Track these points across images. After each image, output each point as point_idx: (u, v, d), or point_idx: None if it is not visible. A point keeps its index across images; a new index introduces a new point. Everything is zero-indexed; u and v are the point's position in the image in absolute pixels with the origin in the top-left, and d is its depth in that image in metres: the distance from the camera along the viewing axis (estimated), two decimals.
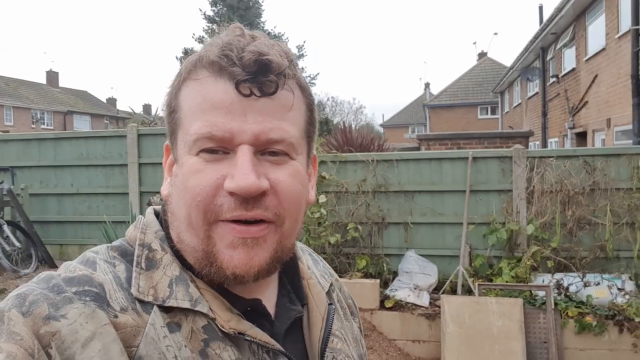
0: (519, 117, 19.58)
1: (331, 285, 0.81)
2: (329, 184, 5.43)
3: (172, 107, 0.64)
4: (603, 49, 10.45)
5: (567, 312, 4.35)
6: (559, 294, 4.61)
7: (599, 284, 4.64)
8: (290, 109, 0.61)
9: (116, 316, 0.56)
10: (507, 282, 4.76)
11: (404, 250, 5.32)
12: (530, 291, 4.66)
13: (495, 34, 51.09)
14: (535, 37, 14.56)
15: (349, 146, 7.13)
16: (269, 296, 0.69)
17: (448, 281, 5.00)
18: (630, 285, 4.65)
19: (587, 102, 11.48)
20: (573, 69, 12.58)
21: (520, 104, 19.51)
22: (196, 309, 0.59)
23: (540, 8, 16.56)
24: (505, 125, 22.90)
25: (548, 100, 14.87)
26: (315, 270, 0.81)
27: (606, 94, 10.33)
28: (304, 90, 0.65)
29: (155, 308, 0.59)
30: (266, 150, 0.60)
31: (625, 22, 9.17)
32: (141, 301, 0.59)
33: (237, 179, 0.57)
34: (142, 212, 5.86)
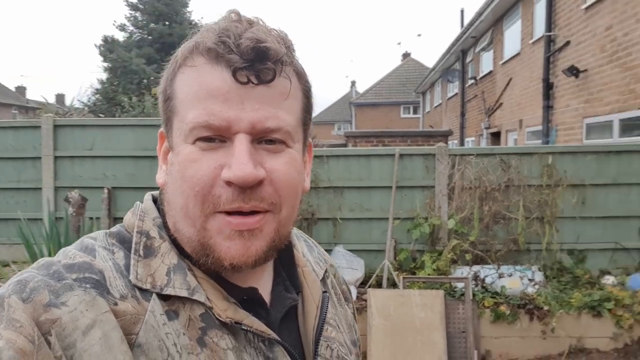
0: (439, 116, 20.43)
1: (326, 271, 0.82)
2: None
3: (168, 94, 0.62)
4: (518, 54, 11.11)
5: (484, 303, 4.61)
6: (476, 285, 4.87)
7: (512, 275, 4.95)
8: (287, 96, 0.61)
9: (116, 303, 0.56)
10: (429, 274, 4.96)
11: (333, 245, 5.38)
12: (450, 283, 4.88)
13: (419, 35, 52.99)
14: (457, 40, 15.23)
15: None
16: (264, 284, 0.69)
17: (374, 275, 5.13)
18: (539, 276, 5.00)
19: (501, 103, 12.18)
20: (490, 72, 13.29)
21: (440, 104, 20.36)
22: (193, 297, 0.60)
23: (462, 12, 17.37)
24: (426, 124, 23.82)
25: (466, 101, 15.62)
26: (310, 257, 0.81)
27: (519, 97, 11.00)
28: (301, 77, 0.65)
29: (154, 295, 0.59)
30: (263, 138, 0.60)
31: (539, 28, 9.81)
32: (140, 289, 0.59)
33: (235, 168, 0.57)
34: (57, 208, 5.54)
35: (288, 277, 0.73)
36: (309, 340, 0.70)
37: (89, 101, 18.42)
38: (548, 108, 9.12)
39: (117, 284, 0.58)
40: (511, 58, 11.56)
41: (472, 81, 14.73)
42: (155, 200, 0.69)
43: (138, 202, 0.68)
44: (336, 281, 0.85)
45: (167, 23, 22.72)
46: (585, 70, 7.81)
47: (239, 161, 0.57)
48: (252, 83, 0.58)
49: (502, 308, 4.55)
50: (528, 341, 4.53)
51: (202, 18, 30.05)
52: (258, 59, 0.57)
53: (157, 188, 0.69)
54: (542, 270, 5.13)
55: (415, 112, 28.17)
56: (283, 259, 0.74)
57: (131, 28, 23.22)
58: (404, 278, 4.85)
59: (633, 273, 5.05)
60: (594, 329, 4.45)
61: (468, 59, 15.68)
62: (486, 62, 13.92)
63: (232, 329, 0.61)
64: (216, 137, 0.59)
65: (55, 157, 5.74)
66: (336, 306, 0.80)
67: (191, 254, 0.62)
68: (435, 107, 21.64)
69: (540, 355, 4.48)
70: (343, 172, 5.50)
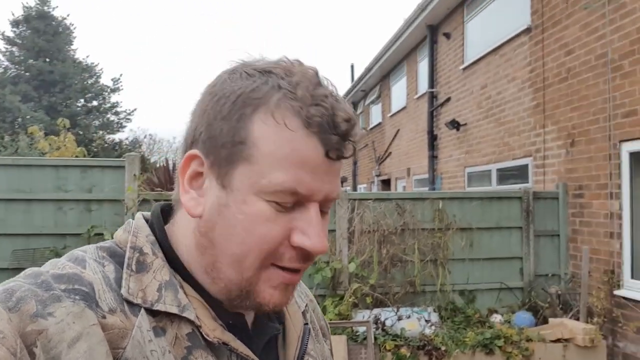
0: None
1: (306, 305, 0.83)
2: None
3: (239, 137, 0.59)
4: (404, 107, 11.90)
5: (385, 346, 4.63)
6: (377, 328, 4.90)
7: (410, 317, 5.06)
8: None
9: (104, 317, 0.56)
10: (331, 319, 4.91)
11: None
12: (352, 327, 4.86)
13: None
14: (347, 93, 16.02)
15: (172, 184, 6.77)
16: (248, 312, 0.70)
17: None
18: (435, 317, 5.17)
19: (390, 152, 12.87)
20: (379, 123, 14.07)
21: None
22: (183, 315, 0.60)
23: (352, 67, 18.32)
24: None
25: (358, 150, 16.26)
26: None
27: (407, 147, 11.71)
28: None
29: (142, 311, 0.58)
30: (323, 208, 0.63)
31: (423, 85, 10.62)
32: (130, 303, 0.58)
33: (313, 240, 0.59)
34: None
35: None
36: None
37: None
38: (433, 157, 9.77)
39: (106, 297, 0.57)
40: (398, 111, 12.34)
41: (363, 131, 15.45)
42: (146, 220, 0.69)
43: (130, 220, 0.68)
44: (315, 316, 0.86)
45: (47, 60, 21.35)
46: (465, 124, 8.53)
47: (317, 233, 0.60)
48: (338, 160, 0.61)
49: (403, 350, 4.60)
50: None
51: (87, 57, 28.67)
52: (347, 138, 0.60)
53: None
54: (437, 310, 5.31)
55: None
56: None
57: (6, 63, 21.50)
58: None
59: (517, 311, 5.40)
60: None
61: (359, 111, 16.49)
62: (375, 114, 14.74)
63: (217, 350, 0.62)
64: (295, 202, 0.60)
65: None
66: (314, 340, 0.80)
67: (219, 292, 0.63)
68: None
69: None
70: None
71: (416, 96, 11.07)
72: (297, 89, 0.59)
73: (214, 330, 0.61)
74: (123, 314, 0.57)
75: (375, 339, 4.68)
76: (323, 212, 0.63)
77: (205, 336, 0.60)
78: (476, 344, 4.65)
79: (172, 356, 0.57)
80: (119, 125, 25.92)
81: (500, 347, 4.64)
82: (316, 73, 0.62)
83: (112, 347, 0.54)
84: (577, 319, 5.07)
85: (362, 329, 4.81)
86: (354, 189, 16.25)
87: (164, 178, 7.49)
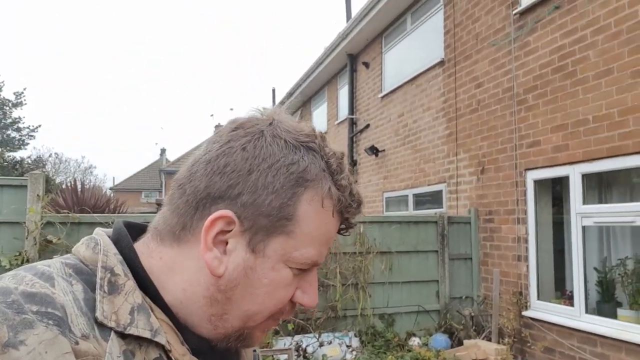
0: None
1: None
2: (57, 249, 4.67)
3: (286, 213, 0.63)
4: (325, 132, 12.08)
5: None
6: (299, 355, 4.81)
7: (331, 342, 5.02)
8: None
9: (77, 342, 0.54)
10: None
11: None
12: (273, 356, 4.73)
13: (231, 109, 54.21)
14: None
15: (80, 206, 6.36)
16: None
17: None
18: (356, 342, 5.17)
19: None
20: None
21: None
22: (155, 339, 0.59)
23: (274, 91, 18.41)
24: None
25: None
26: None
27: None
28: None
29: (112, 335, 0.57)
30: None
31: (343, 111, 10.85)
32: (101, 326, 0.57)
33: (312, 298, 0.68)
34: None
35: None
36: None
37: None
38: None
39: (79, 322, 0.55)
40: None
41: None
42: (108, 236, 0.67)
43: (93, 236, 0.66)
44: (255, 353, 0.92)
45: None
46: (384, 150, 8.79)
47: (315, 292, 0.69)
48: (342, 234, 0.72)
49: None
50: None
51: None
52: (356, 222, 0.71)
53: None
54: (358, 335, 5.32)
55: None
56: None
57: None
58: None
59: (434, 333, 5.54)
60: None
61: None
62: None
63: None
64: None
65: None
66: None
67: (219, 334, 0.66)
68: None
69: None
70: None
71: (337, 122, 11.29)
72: (340, 178, 0.66)
73: (183, 355, 0.62)
74: (95, 340, 0.55)
75: None
76: None
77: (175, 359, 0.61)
78: None
79: None
80: (21, 142, 24.16)
81: None
82: (343, 155, 0.69)
83: None
84: (490, 340, 5.28)
85: (283, 356, 4.69)
86: None
87: (71, 200, 7.00)
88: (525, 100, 5.38)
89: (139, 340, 0.59)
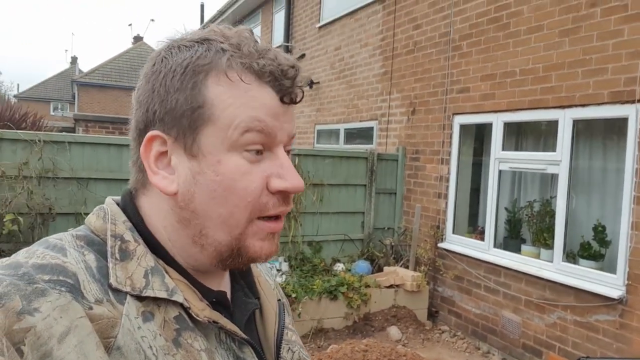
0: None
1: (274, 281, 0.88)
2: None
3: (197, 102, 0.61)
4: None
5: None
6: None
7: None
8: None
9: (91, 308, 0.55)
10: None
11: None
12: None
13: (152, 20, 50.72)
14: None
15: None
16: (225, 289, 0.73)
17: None
18: (285, 266, 5.48)
19: None
20: None
21: None
22: (172, 298, 0.61)
23: (202, 6, 17.43)
24: None
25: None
26: (261, 267, 0.88)
27: None
28: None
29: (128, 298, 0.59)
30: (287, 148, 0.67)
31: (278, 37, 10.62)
32: (117, 292, 0.58)
33: (291, 180, 0.64)
34: None
35: (245, 284, 0.77)
36: (270, 343, 0.75)
37: None
38: None
39: (91, 288, 0.57)
40: None
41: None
42: (117, 204, 0.68)
43: (103, 206, 0.68)
44: (280, 292, 0.90)
45: None
46: (318, 83, 8.83)
47: (292, 173, 0.64)
48: (291, 104, 0.66)
49: None
50: None
51: None
52: (296, 84, 0.65)
53: None
54: (288, 260, 5.62)
55: None
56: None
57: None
58: None
59: (357, 260, 5.98)
60: (331, 310, 5.12)
61: None
62: None
63: (205, 330, 0.64)
64: (262, 148, 0.63)
65: None
66: (288, 313, 0.85)
67: (211, 256, 0.65)
68: None
69: None
70: (90, 162, 4.96)
71: None
72: (242, 48, 0.63)
73: (202, 310, 0.63)
74: (110, 304, 0.57)
75: None
76: (287, 152, 0.68)
77: (195, 316, 0.61)
78: (322, 290, 5.07)
79: (162, 339, 0.58)
80: None
81: (343, 292, 5.13)
82: (251, 32, 0.66)
83: (102, 337, 0.54)
84: (407, 267, 5.80)
85: None
86: None
87: None
88: (459, 47, 5.61)
89: (157, 301, 0.60)
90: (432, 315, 5.69)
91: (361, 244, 6.25)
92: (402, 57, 6.62)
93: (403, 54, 6.61)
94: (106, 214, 0.65)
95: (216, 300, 0.67)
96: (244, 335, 0.67)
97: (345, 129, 8.07)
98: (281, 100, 0.64)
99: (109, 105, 25.11)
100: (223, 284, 0.72)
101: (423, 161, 6.14)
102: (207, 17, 14.99)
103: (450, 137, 5.71)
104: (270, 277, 0.88)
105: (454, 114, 5.68)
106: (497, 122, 5.10)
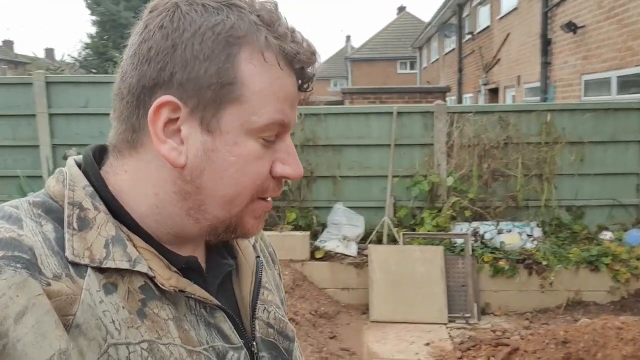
0: (437, 72, 20.22)
1: (255, 238, 0.83)
2: None
3: (228, 78, 0.58)
4: (515, 9, 10.92)
5: (483, 258, 4.70)
6: (476, 241, 4.96)
7: (511, 231, 5.04)
8: None
9: (49, 284, 0.52)
10: (429, 231, 5.04)
11: (333, 203, 5.43)
12: (450, 239, 4.96)
13: None
14: None
15: None
16: (200, 252, 0.70)
17: (375, 232, 5.19)
18: (538, 232, 5.10)
19: (499, 59, 12.06)
20: (487, 27, 13.09)
21: (437, 60, 20.11)
22: (135, 269, 0.58)
23: None
24: (424, 80, 23.58)
25: (464, 57, 15.45)
26: None
27: (517, 53, 10.89)
28: None
29: (90, 271, 0.55)
30: None
31: None
32: (76, 265, 0.55)
33: (295, 168, 0.64)
34: (56, 166, 5.48)
35: (222, 244, 0.73)
36: (246, 304, 0.72)
37: (79, 56, 17.98)
38: (546, 64, 9.04)
39: (50, 263, 0.53)
40: (508, 13, 11.37)
41: (470, 37, 14.51)
42: (79, 166, 0.64)
43: (62, 169, 0.63)
44: (263, 245, 0.86)
45: None
46: (583, 27, 7.70)
47: (296, 161, 0.64)
48: (305, 92, 0.65)
49: (502, 263, 4.65)
50: (527, 295, 4.66)
51: None
52: (314, 73, 0.64)
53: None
54: (541, 226, 5.22)
55: (412, 67, 27.80)
56: None
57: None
58: (404, 235, 4.93)
59: (630, 229, 5.15)
60: (592, 283, 4.58)
61: (465, 14, 15.41)
62: (483, 17, 13.69)
63: (173, 298, 0.61)
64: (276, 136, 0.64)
65: (50, 115, 5.66)
66: (266, 269, 0.81)
67: (202, 229, 0.64)
68: (433, 63, 21.38)
69: (539, 308, 4.62)
70: (342, 131, 5.48)
71: None
72: (274, 26, 0.60)
73: (169, 279, 0.60)
74: (69, 279, 0.54)
75: (473, 251, 4.76)
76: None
77: (161, 286, 0.59)
78: (581, 260, 4.57)
79: (126, 311, 0.56)
80: None
81: (607, 264, 4.52)
82: (276, 6, 0.62)
83: (61, 315, 0.51)
84: None
85: (460, 241, 4.90)
86: (459, 99, 15.62)
87: None
88: None
89: (121, 272, 0.57)
90: None
91: (636, 210, 5.33)
92: None
93: None
94: (65, 178, 0.61)
95: (187, 267, 0.64)
96: (215, 302, 0.64)
97: (617, 77, 6.88)
98: (299, 88, 0.64)
99: (377, 77, 26.69)
100: (199, 247, 0.70)
101: None
102: None
103: None
104: None
105: None
106: None
